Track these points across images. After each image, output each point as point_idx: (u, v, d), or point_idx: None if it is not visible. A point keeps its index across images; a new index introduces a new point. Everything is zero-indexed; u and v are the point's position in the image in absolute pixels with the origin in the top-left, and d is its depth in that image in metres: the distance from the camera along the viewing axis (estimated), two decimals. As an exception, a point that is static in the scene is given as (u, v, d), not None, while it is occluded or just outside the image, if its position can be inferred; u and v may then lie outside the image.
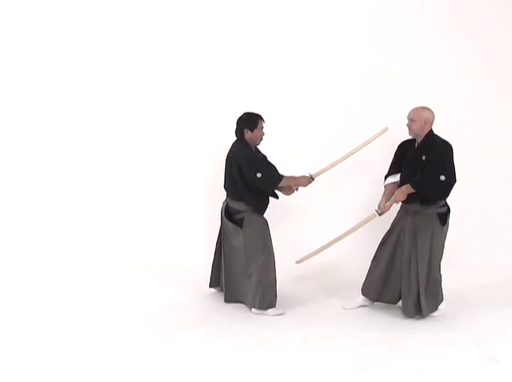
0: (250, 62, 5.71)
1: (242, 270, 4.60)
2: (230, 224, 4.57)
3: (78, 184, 5.80)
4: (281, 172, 4.60)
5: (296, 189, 4.68)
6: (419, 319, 4.45)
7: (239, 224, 4.53)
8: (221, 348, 3.97)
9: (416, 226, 4.39)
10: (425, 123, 4.36)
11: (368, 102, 5.71)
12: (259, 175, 4.38)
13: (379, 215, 4.45)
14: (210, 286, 4.90)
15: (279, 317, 4.55)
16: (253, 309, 4.59)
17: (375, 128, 4.84)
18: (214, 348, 3.96)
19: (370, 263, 4.69)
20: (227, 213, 4.58)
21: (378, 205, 4.47)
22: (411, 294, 4.41)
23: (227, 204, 4.60)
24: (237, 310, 4.64)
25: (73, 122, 5.78)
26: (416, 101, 4.64)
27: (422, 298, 4.39)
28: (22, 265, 5.40)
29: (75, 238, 5.73)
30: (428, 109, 4.41)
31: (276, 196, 4.67)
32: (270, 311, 4.56)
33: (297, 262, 4.62)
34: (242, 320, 4.46)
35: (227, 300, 4.73)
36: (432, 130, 4.42)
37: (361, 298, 4.71)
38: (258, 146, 4.66)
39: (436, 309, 4.51)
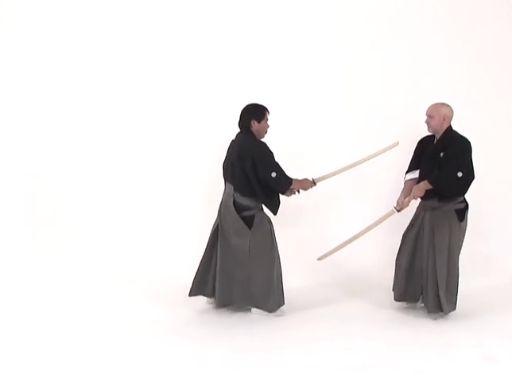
0: (254, 63, 5.64)
1: (242, 273, 4.42)
2: (237, 222, 4.38)
3: (68, 188, 5.59)
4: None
5: (298, 192, 4.56)
6: (418, 318, 4.49)
7: (249, 222, 4.38)
8: (220, 349, 3.96)
9: (434, 222, 4.42)
10: (444, 119, 4.40)
11: (380, 106, 5.65)
12: (274, 175, 4.29)
13: (398, 211, 4.49)
14: (190, 295, 4.59)
15: (278, 317, 4.51)
16: (253, 309, 4.54)
17: (385, 133, 4.95)
18: (212, 349, 3.95)
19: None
20: (236, 209, 4.39)
21: (397, 202, 4.51)
22: (429, 291, 4.42)
23: (235, 199, 4.37)
24: (234, 311, 4.59)
25: (61, 120, 5.56)
26: (425, 100, 4.67)
27: (442, 295, 4.39)
28: (8, 275, 5.21)
29: (66, 243, 5.50)
30: (447, 105, 4.45)
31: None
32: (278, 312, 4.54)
33: (319, 258, 4.64)
34: (241, 320, 4.46)
35: (220, 305, 4.51)
36: (451, 126, 4.45)
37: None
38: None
39: (455, 308, 4.50)
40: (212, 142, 5.39)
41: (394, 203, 4.55)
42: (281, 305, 4.52)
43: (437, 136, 4.48)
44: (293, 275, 5.02)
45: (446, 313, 4.46)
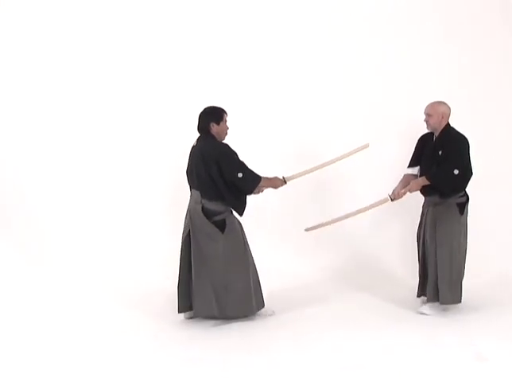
0: (254, 64, 5.70)
1: (217, 281, 4.33)
2: (209, 227, 4.32)
3: (49, 195, 5.57)
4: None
5: (262, 191, 4.50)
6: (409, 317, 4.52)
7: (220, 227, 4.33)
8: (210, 350, 3.97)
9: (436, 216, 4.55)
10: (442, 117, 4.53)
11: (378, 104, 5.72)
12: (240, 175, 4.26)
13: (391, 200, 4.59)
14: (180, 311, 4.47)
15: (270, 317, 4.53)
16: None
17: (384, 131, 5.41)
18: (204, 349, 3.97)
19: None
20: (205, 216, 4.33)
21: (393, 191, 4.61)
22: (429, 281, 4.55)
23: (203, 205, 4.31)
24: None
25: (36, 126, 5.59)
26: (424, 98, 4.75)
27: (441, 286, 4.48)
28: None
29: (49, 250, 5.49)
30: (444, 103, 4.57)
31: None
32: (262, 311, 4.51)
33: (306, 230, 4.69)
34: (233, 320, 4.43)
35: (198, 315, 4.42)
36: (448, 123, 4.57)
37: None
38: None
39: (460, 300, 4.55)
40: (172, 148, 5.37)
41: (390, 191, 4.60)
42: (261, 308, 4.45)
43: (436, 134, 4.59)
44: (284, 274, 5.13)
45: (442, 304, 4.52)
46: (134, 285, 5.14)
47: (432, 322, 4.39)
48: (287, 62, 5.67)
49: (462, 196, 4.57)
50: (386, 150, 5.54)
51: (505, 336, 4.09)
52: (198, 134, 4.40)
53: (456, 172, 4.39)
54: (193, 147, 4.42)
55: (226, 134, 4.41)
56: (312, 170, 4.59)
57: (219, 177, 4.24)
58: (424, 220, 4.67)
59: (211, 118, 4.31)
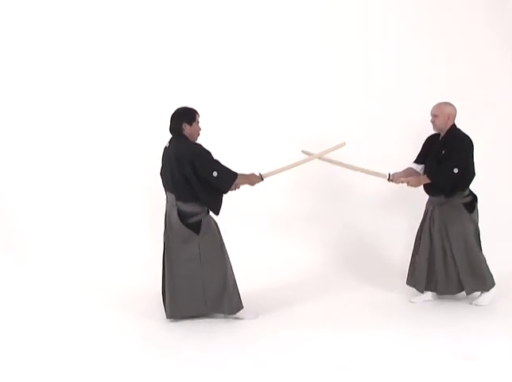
0: (256, 64, 5.69)
1: (194, 282, 4.34)
2: (184, 230, 4.31)
3: (28, 198, 5.55)
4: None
5: (238, 187, 4.49)
6: (397, 316, 4.53)
7: (196, 228, 4.32)
8: (201, 349, 3.98)
9: (445, 217, 4.64)
10: (448, 118, 4.60)
11: (384, 104, 5.78)
12: (215, 174, 4.22)
13: (388, 180, 4.69)
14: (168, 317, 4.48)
15: (257, 316, 4.52)
16: (218, 314, 4.49)
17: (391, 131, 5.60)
18: (193, 350, 3.97)
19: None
20: (180, 218, 4.31)
21: (393, 174, 4.70)
22: (449, 276, 4.63)
23: (178, 208, 4.30)
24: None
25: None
26: (430, 99, 4.82)
27: (463, 278, 4.60)
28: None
29: (30, 251, 5.47)
30: (451, 104, 4.64)
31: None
32: (245, 315, 4.48)
33: (303, 151, 4.72)
34: (221, 320, 4.46)
35: (173, 315, 4.40)
36: (454, 124, 4.65)
37: (428, 293, 4.83)
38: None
39: (487, 290, 4.65)
40: (146, 149, 5.35)
41: (393, 171, 4.70)
42: (240, 309, 4.44)
43: (442, 134, 4.67)
44: (270, 275, 5.16)
45: (468, 293, 4.69)
46: (121, 285, 5.13)
47: (418, 321, 4.43)
48: (288, 62, 5.68)
49: (467, 196, 4.64)
50: (387, 150, 5.54)
51: (496, 335, 4.09)
52: (170, 136, 4.36)
53: (456, 170, 4.45)
54: (166, 149, 4.38)
55: (199, 134, 4.38)
56: (289, 167, 4.56)
57: (194, 178, 4.21)
58: (428, 220, 4.72)
59: (184, 119, 4.28)
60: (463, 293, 4.70)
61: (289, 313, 4.57)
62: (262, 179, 4.46)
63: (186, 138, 4.29)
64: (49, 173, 5.52)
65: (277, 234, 5.67)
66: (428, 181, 4.58)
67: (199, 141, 4.38)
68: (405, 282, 4.87)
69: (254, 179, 4.43)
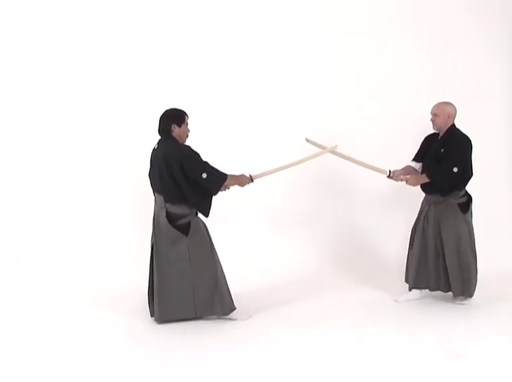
0: (257, 65, 5.69)
1: (184, 284, 4.32)
2: (172, 232, 4.29)
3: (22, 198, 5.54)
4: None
5: (228, 188, 4.47)
6: (384, 315, 4.57)
7: (184, 230, 4.30)
8: (187, 350, 3.98)
9: (439, 216, 4.67)
10: (448, 117, 4.64)
11: (385, 105, 5.82)
12: (205, 176, 4.20)
13: (388, 176, 4.71)
14: (153, 315, 4.47)
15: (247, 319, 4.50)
16: (212, 316, 4.47)
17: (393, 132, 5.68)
18: (179, 350, 3.98)
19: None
20: (169, 220, 4.29)
21: (393, 171, 4.72)
22: (440, 276, 4.68)
23: (167, 210, 4.28)
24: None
25: None
26: (429, 98, 4.90)
27: (452, 282, 4.63)
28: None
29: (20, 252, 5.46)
30: (451, 104, 4.67)
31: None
32: (238, 316, 4.47)
33: (307, 140, 4.72)
34: (211, 321, 4.46)
35: (161, 319, 4.37)
36: (454, 124, 4.69)
37: (414, 293, 4.87)
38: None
39: (471, 295, 4.70)
40: (132, 151, 5.35)
41: (392, 169, 4.71)
42: (233, 310, 4.43)
43: (441, 133, 4.70)
44: (263, 275, 5.16)
45: (455, 296, 4.70)
46: (108, 285, 5.13)
47: (405, 319, 4.46)
48: (288, 60, 5.69)
49: (463, 197, 4.66)
50: (386, 148, 5.57)
51: (483, 334, 4.13)
52: (159, 137, 4.34)
53: (455, 169, 4.48)
54: (154, 150, 4.37)
55: (188, 136, 4.37)
56: (279, 169, 4.56)
57: (183, 179, 4.19)
58: (423, 218, 4.74)
59: (173, 120, 4.27)
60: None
61: (281, 313, 4.57)
62: (252, 180, 4.44)
63: (175, 139, 4.28)
64: (38, 174, 5.51)
65: (271, 234, 5.68)
66: (427, 180, 4.59)
67: (191, 141, 4.37)
68: (404, 280, 4.88)
69: (243, 180, 4.41)
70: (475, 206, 4.72)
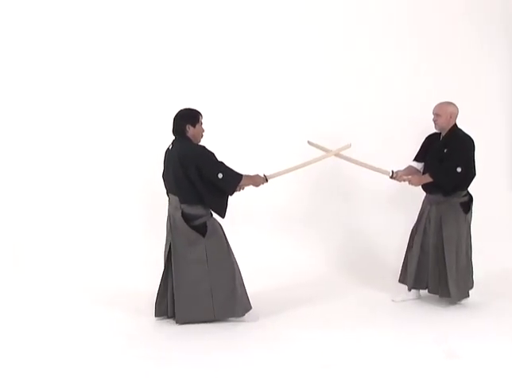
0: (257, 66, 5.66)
1: (203, 287, 4.30)
2: (189, 233, 4.26)
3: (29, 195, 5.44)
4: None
5: (243, 188, 4.45)
6: (381, 315, 4.58)
7: (201, 231, 4.27)
8: (188, 349, 3.98)
9: (441, 215, 4.67)
10: (450, 117, 4.64)
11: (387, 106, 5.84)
12: (221, 176, 4.18)
13: (390, 177, 4.71)
14: (157, 316, 4.45)
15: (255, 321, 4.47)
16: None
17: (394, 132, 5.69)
18: (180, 350, 3.96)
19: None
20: (185, 220, 4.26)
21: (396, 171, 4.72)
22: (441, 279, 4.65)
23: (183, 211, 4.24)
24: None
25: None
26: (430, 98, 4.92)
27: (451, 283, 4.60)
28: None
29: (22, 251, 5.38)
30: (453, 104, 4.67)
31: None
32: (246, 317, 4.43)
33: (309, 142, 4.71)
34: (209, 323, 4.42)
35: (181, 321, 4.33)
36: (456, 124, 4.69)
37: (412, 293, 4.89)
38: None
39: (468, 295, 4.72)
40: (147, 150, 5.32)
41: (395, 169, 4.72)
42: (248, 310, 4.41)
43: (443, 133, 4.71)
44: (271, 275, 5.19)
45: (453, 300, 4.66)
46: (110, 285, 5.11)
47: (401, 319, 4.48)
48: (293, 62, 5.67)
49: (464, 196, 4.67)
50: (388, 149, 5.57)
51: (480, 334, 4.15)
52: (172, 137, 4.31)
53: (459, 169, 4.50)
54: (168, 151, 4.32)
55: (202, 136, 4.33)
56: (294, 169, 4.55)
57: (199, 180, 4.16)
58: (425, 218, 4.75)
59: (187, 120, 4.23)
60: None
61: (286, 314, 4.57)
62: (267, 180, 4.43)
63: (189, 139, 4.24)
64: (50, 174, 5.44)
65: (273, 234, 5.66)
66: (429, 179, 4.60)
67: (203, 141, 4.34)
68: (398, 280, 4.90)
69: (258, 180, 4.39)
70: (475, 206, 4.76)
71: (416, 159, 4.84)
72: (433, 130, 4.78)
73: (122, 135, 5.45)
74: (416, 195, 4.92)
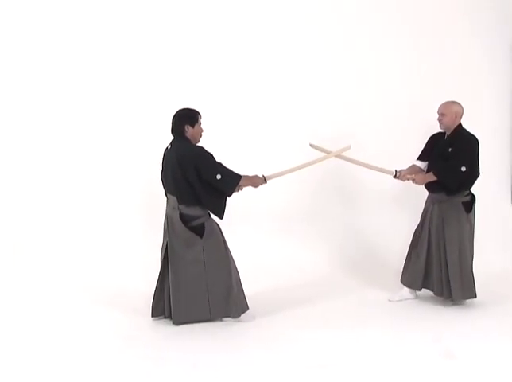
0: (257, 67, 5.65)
1: (199, 285, 4.30)
2: (187, 234, 4.26)
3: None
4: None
5: (241, 189, 4.42)
6: (377, 314, 4.58)
7: (199, 231, 4.27)
8: (184, 350, 3.96)
9: (443, 214, 4.67)
10: (455, 117, 4.66)
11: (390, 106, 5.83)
12: (219, 177, 4.17)
13: (394, 176, 4.71)
14: (153, 316, 4.46)
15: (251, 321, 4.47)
16: (225, 319, 4.43)
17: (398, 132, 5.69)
18: (176, 350, 3.95)
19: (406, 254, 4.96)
20: (183, 221, 4.26)
21: (400, 171, 4.72)
22: (443, 280, 4.65)
23: (181, 211, 4.24)
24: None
25: None
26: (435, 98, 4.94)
27: (453, 284, 4.60)
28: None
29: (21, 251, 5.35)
30: (458, 103, 4.69)
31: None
32: (243, 317, 4.42)
33: (311, 145, 4.70)
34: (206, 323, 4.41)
35: (178, 321, 4.32)
36: (460, 123, 4.70)
37: (406, 291, 4.89)
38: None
39: (475, 295, 4.66)
40: (145, 150, 5.31)
41: (398, 168, 4.72)
42: (245, 311, 4.41)
43: (448, 133, 4.72)
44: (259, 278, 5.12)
45: (455, 300, 4.66)
46: (109, 285, 5.10)
47: (398, 319, 4.48)
48: (294, 62, 5.67)
49: (467, 196, 4.68)
50: (392, 148, 5.58)
51: (477, 334, 4.14)
52: (171, 137, 4.30)
53: (463, 169, 4.51)
54: (167, 151, 4.32)
55: (201, 136, 4.33)
56: (293, 170, 4.54)
57: (197, 181, 4.16)
58: (428, 217, 4.74)
59: (186, 120, 4.22)
60: None
61: (286, 314, 4.56)
62: (266, 181, 4.42)
63: (188, 140, 4.24)
64: (49, 174, 5.42)
65: (275, 234, 5.65)
66: (433, 178, 4.60)
67: (202, 142, 4.34)
68: (400, 281, 4.88)
69: (257, 181, 4.38)
70: (476, 206, 4.74)
71: (420, 158, 4.84)
72: (435, 130, 4.78)
73: (121, 135, 5.44)
74: (420, 194, 4.92)
